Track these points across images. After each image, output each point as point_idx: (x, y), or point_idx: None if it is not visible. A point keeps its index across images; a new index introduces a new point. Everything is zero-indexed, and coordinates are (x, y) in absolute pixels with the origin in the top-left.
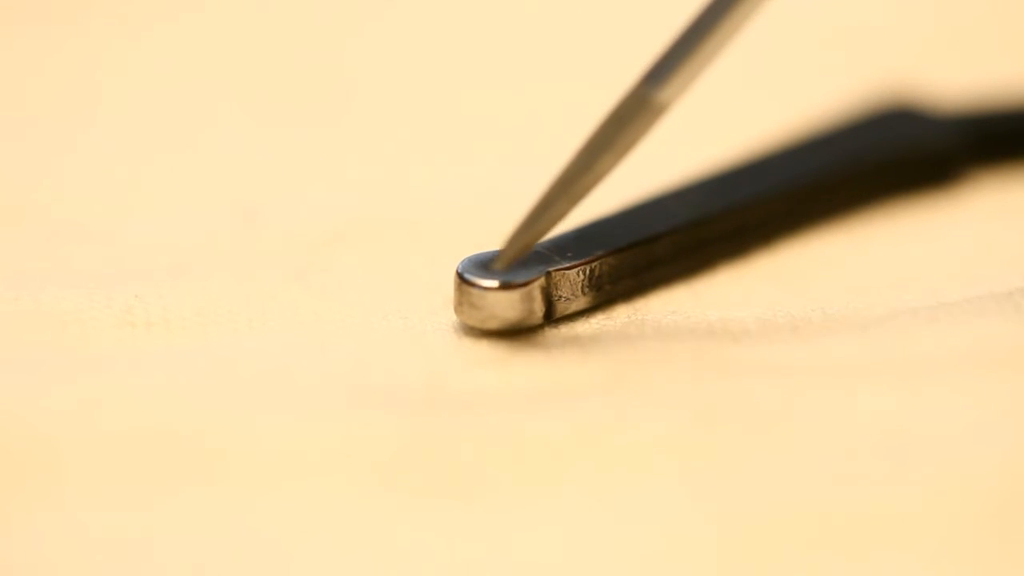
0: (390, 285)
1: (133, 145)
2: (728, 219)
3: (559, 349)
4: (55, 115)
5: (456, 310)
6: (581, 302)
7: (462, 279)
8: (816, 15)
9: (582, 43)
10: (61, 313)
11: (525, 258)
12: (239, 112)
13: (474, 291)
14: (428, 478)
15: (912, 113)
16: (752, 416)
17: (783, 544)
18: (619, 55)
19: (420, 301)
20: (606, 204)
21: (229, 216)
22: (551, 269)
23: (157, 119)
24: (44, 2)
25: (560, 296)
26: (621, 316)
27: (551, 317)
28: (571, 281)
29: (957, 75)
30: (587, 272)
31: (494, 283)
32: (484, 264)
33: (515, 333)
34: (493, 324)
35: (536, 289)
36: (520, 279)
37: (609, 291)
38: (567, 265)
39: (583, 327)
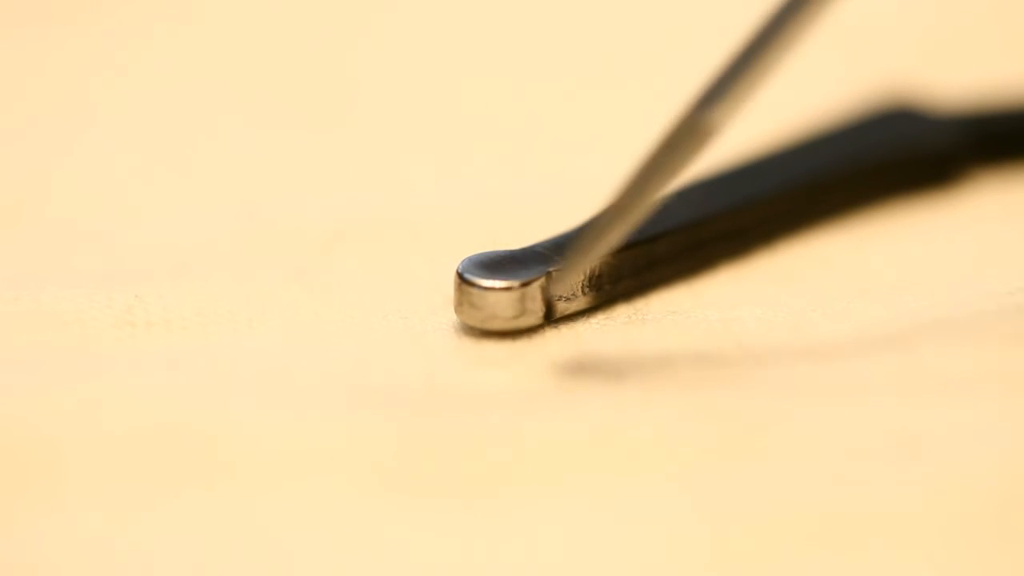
0: (390, 285)
1: (133, 145)
2: (728, 219)
3: (559, 349)
4: (55, 116)
5: (456, 310)
6: (581, 302)
7: (462, 279)
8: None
9: (582, 44)
10: (61, 313)
11: (525, 258)
12: (239, 113)
13: (474, 291)
14: (428, 478)
15: (912, 113)
16: (752, 416)
17: (783, 544)
18: (619, 56)
19: (420, 301)
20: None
21: (229, 216)
22: (551, 269)
23: (157, 119)
24: (44, 2)
25: (560, 296)
26: (621, 316)
27: (551, 317)
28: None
29: (957, 75)
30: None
31: (494, 283)
32: (484, 264)
33: (515, 333)
34: (493, 324)
35: (536, 289)
36: (520, 279)
37: (609, 291)
38: None
39: (583, 327)
